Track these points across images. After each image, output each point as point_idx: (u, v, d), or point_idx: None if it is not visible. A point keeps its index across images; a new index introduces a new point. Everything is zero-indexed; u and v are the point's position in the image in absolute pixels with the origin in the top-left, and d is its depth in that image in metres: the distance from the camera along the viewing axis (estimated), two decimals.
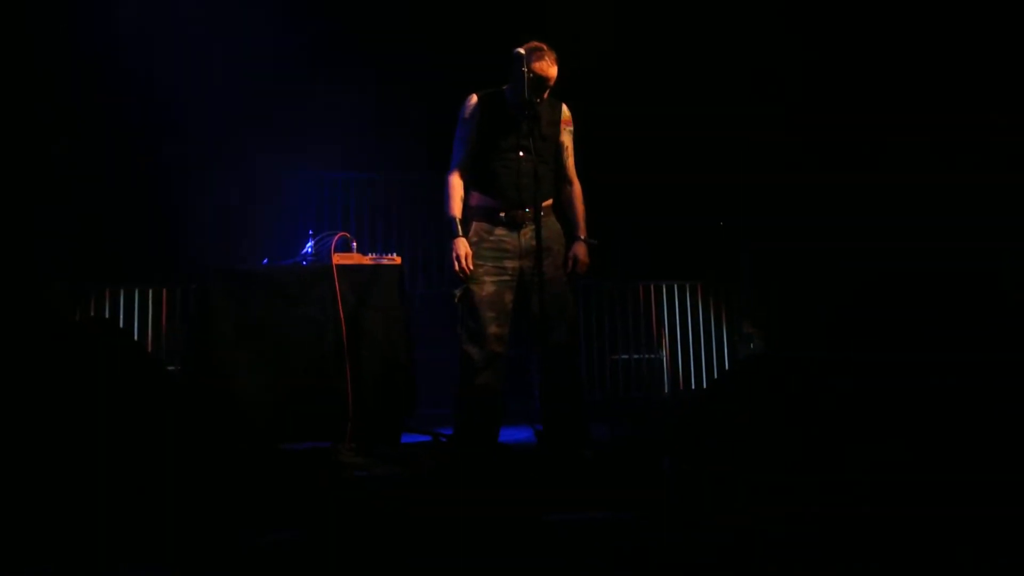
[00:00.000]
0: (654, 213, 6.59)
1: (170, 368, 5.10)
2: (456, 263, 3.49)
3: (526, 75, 3.43)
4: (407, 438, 4.11)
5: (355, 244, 4.20)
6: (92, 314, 5.47)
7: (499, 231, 3.56)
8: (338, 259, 4.01)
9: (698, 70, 6.64)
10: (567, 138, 3.76)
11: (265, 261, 4.26)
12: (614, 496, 2.69)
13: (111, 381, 2.44)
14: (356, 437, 3.80)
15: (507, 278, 3.52)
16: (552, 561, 1.96)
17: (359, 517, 2.46)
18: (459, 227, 3.54)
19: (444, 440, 3.99)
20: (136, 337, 5.46)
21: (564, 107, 3.76)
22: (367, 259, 4.13)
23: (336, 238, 4.06)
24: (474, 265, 3.51)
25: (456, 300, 3.56)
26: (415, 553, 2.06)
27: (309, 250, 4.23)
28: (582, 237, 3.69)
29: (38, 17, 5.41)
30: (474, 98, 3.64)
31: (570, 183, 3.78)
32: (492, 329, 3.48)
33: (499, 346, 3.51)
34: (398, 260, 4.19)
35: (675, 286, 6.75)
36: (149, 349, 5.47)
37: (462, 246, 3.50)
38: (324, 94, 6.56)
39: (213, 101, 6.14)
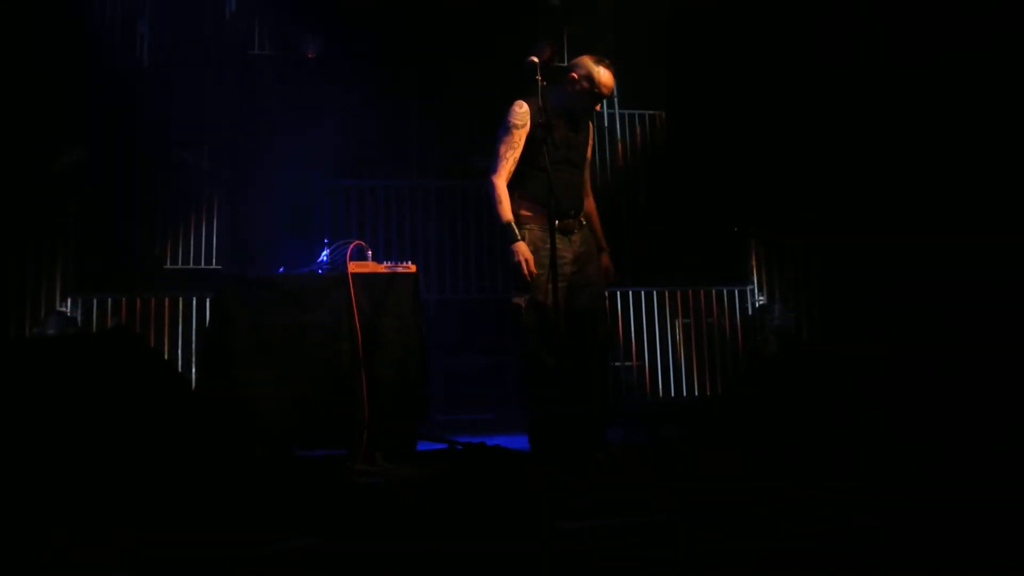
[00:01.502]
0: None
1: (187, 376, 5.14)
2: (523, 267, 3.46)
3: (589, 87, 3.49)
4: (423, 446, 4.12)
5: (370, 252, 4.22)
6: (110, 324, 5.50)
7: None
8: (353, 267, 4.03)
9: None
10: (590, 155, 3.86)
11: (281, 269, 4.28)
12: (625, 501, 2.69)
13: (129, 390, 2.46)
14: (372, 445, 3.81)
15: (564, 284, 3.52)
16: (563, 569, 1.96)
17: (375, 524, 2.47)
18: (516, 231, 3.51)
19: (460, 448, 3.99)
20: (153, 346, 5.50)
21: (591, 123, 3.84)
22: (382, 267, 4.15)
23: (351, 246, 4.08)
24: (536, 272, 3.52)
25: (522, 309, 3.54)
26: (429, 560, 2.06)
27: (324, 258, 4.25)
28: (606, 247, 3.83)
29: (45, 20, 5.46)
30: (524, 105, 3.61)
31: (588, 196, 3.83)
32: (557, 333, 3.49)
33: (562, 349, 3.55)
34: (413, 268, 4.20)
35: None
36: (166, 358, 5.51)
37: (525, 250, 3.49)
38: (337, 100, 6.61)
39: (226, 107, 6.19)
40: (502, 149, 3.59)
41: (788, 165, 6.39)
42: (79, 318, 5.46)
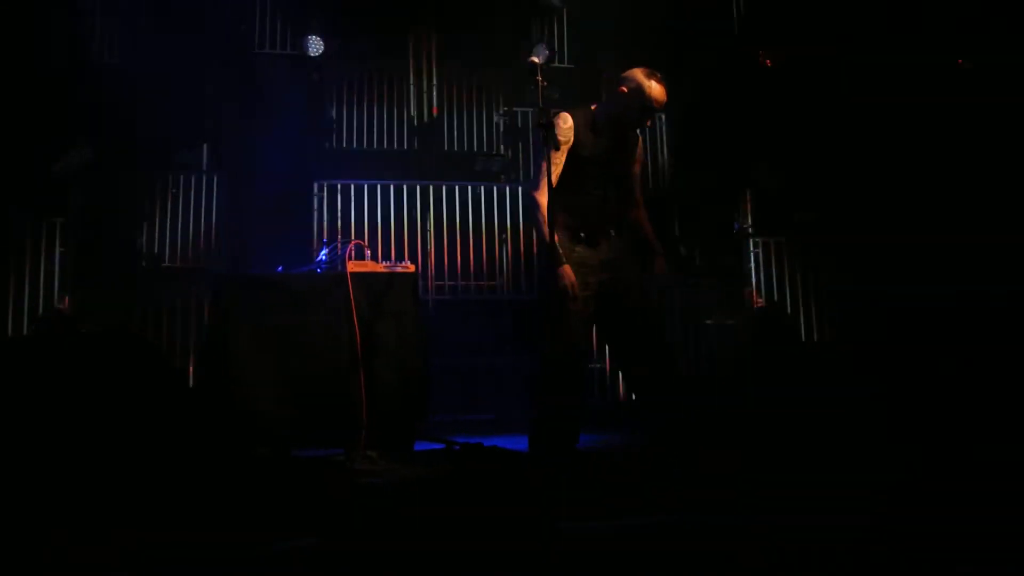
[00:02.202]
0: None
1: (186, 375, 5.14)
2: (568, 290, 3.41)
3: (640, 101, 3.46)
4: (421, 446, 4.11)
5: (368, 252, 4.22)
6: (109, 323, 5.50)
7: (579, 248, 3.54)
8: (353, 267, 4.02)
9: None
10: (639, 168, 3.80)
11: (280, 269, 4.28)
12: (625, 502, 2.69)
13: (129, 390, 2.46)
14: (370, 444, 3.81)
15: (589, 293, 3.50)
16: (564, 570, 1.96)
17: (373, 524, 2.47)
18: (561, 254, 3.43)
19: (458, 448, 3.99)
20: (153, 344, 5.49)
21: (639, 136, 3.78)
22: (381, 267, 4.15)
23: (350, 246, 4.08)
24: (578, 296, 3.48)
25: (548, 314, 3.52)
26: (428, 561, 2.06)
27: (323, 258, 4.25)
28: (660, 251, 3.79)
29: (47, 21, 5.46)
30: (569, 120, 3.52)
31: (637, 207, 3.81)
32: (582, 341, 3.54)
33: (584, 356, 3.60)
34: (412, 268, 4.20)
35: None
36: (166, 357, 5.50)
37: (570, 274, 3.43)
38: (337, 99, 6.62)
39: (225, 106, 6.19)
40: (545, 164, 3.44)
41: (784, 167, 6.43)
42: (77, 317, 5.46)
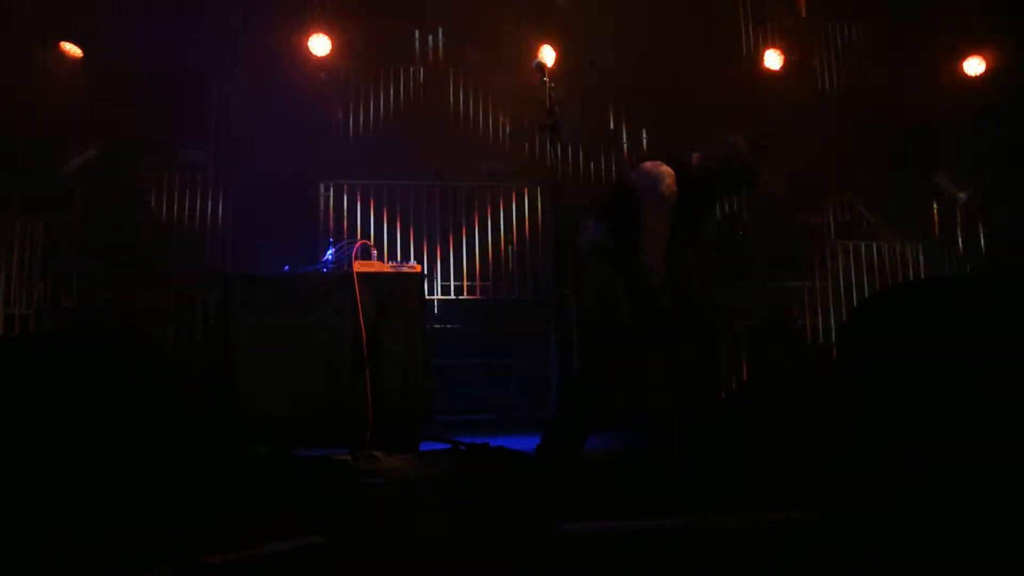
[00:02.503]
0: None
1: (191, 375, 5.14)
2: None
3: (747, 176, 3.38)
4: (426, 446, 4.11)
5: (375, 252, 4.22)
6: (115, 322, 5.51)
7: None
8: (359, 267, 4.03)
9: None
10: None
11: (286, 268, 4.28)
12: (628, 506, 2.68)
13: (133, 388, 2.46)
14: (375, 444, 3.81)
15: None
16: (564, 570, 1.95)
17: (378, 525, 2.46)
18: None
19: (463, 448, 3.98)
20: (158, 343, 5.49)
21: None
22: (387, 267, 4.15)
23: (357, 246, 4.08)
24: None
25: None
26: (432, 560, 2.06)
27: (330, 258, 4.25)
28: None
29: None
30: (672, 174, 3.26)
31: None
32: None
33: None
34: (418, 268, 4.20)
35: None
36: (171, 355, 5.51)
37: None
38: (343, 99, 6.62)
39: (231, 106, 6.19)
40: (660, 225, 3.22)
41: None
42: (83, 316, 5.47)
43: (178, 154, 6.20)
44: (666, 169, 3.27)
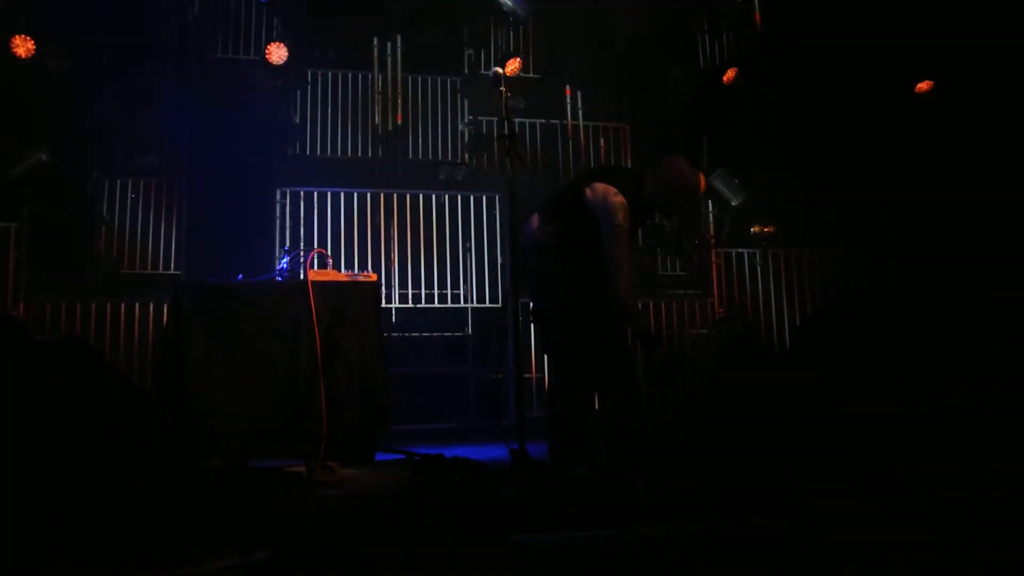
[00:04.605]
0: None
1: (142, 385, 5.05)
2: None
3: (691, 196, 3.58)
4: (381, 456, 4.09)
5: (330, 261, 4.19)
6: (64, 331, 5.39)
7: None
8: (314, 275, 3.99)
9: None
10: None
11: (240, 277, 4.23)
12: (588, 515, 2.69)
13: (81, 400, 2.41)
14: (330, 455, 3.77)
15: None
16: None
17: (331, 537, 2.44)
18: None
19: (417, 460, 3.96)
20: (107, 353, 5.39)
21: None
22: (343, 276, 4.12)
23: (312, 254, 4.05)
24: None
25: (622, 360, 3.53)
26: (384, 570, 2.05)
27: (284, 266, 4.21)
28: None
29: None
30: (625, 212, 3.38)
31: None
32: None
33: None
34: (374, 277, 4.18)
35: None
36: (121, 365, 5.41)
37: None
38: (301, 106, 6.58)
39: (186, 112, 6.11)
40: (625, 254, 3.37)
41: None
42: (32, 324, 5.34)
43: (132, 159, 6.09)
44: (619, 201, 3.37)
